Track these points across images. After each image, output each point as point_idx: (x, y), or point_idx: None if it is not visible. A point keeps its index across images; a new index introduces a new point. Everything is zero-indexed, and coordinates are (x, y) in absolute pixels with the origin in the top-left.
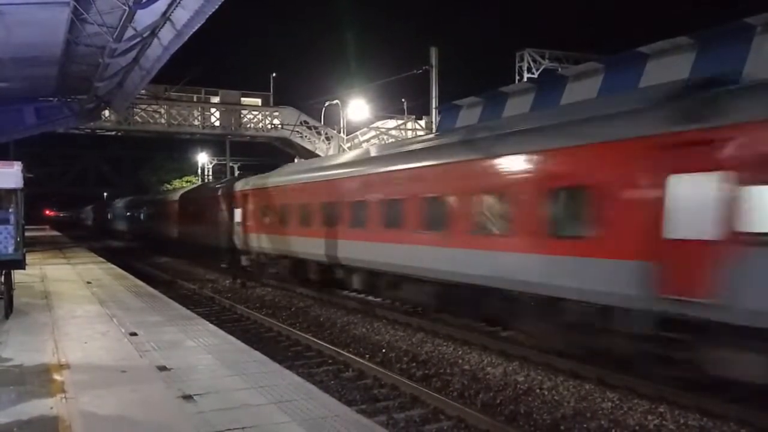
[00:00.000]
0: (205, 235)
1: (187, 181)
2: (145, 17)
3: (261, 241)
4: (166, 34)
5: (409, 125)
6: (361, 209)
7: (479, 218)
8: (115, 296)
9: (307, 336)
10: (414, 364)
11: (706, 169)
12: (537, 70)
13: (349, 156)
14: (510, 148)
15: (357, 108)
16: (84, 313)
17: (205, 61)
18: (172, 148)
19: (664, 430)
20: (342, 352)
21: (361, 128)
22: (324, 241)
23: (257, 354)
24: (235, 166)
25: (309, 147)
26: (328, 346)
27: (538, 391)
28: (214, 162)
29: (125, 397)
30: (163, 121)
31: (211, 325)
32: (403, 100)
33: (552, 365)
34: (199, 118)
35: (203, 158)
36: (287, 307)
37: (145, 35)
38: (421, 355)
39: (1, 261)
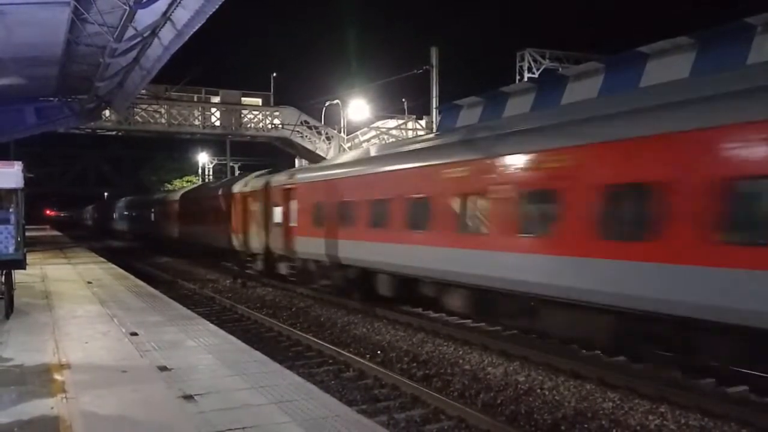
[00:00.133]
0: (219, 238)
1: (187, 181)
2: (145, 17)
3: (313, 246)
4: (166, 33)
5: (410, 125)
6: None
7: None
8: (116, 296)
9: (307, 336)
10: (415, 364)
11: None
12: (537, 69)
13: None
14: None
15: (357, 108)
16: (85, 313)
17: (206, 61)
18: (173, 148)
19: (665, 430)
20: (342, 352)
21: (361, 128)
22: (420, 248)
23: (258, 354)
24: (236, 166)
25: (309, 147)
26: (328, 346)
27: (538, 391)
28: (215, 162)
29: (126, 397)
30: (163, 120)
31: (211, 325)
32: (403, 100)
33: (553, 365)
34: (200, 117)
35: (203, 158)
36: (288, 307)
37: (145, 35)
38: (422, 355)
39: (2, 261)
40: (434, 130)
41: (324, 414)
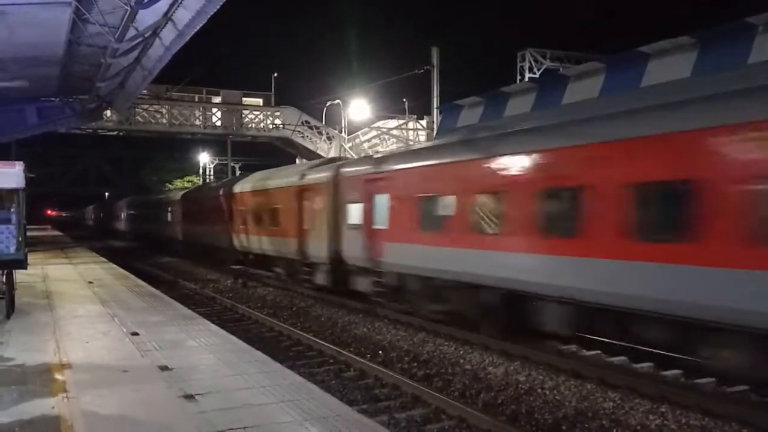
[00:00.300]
0: (262, 242)
1: (188, 181)
2: (146, 17)
3: (418, 257)
4: (167, 34)
5: (411, 125)
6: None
7: None
8: (117, 296)
9: (308, 336)
10: (415, 364)
11: None
12: (538, 69)
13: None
14: None
15: (358, 108)
16: (85, 313)
17: (207, 62)
18: (174, 148)
19: (666, 430)
20: (343, 351)
21: (362, 128)
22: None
23: (259, 354)
24: (237, 166)
25: (310, 147)
26: (329, 345)
27: (539, 390)
28: (216, 162)
29: (127, 397)
30: (164, 121)
31: (212, 324)
32: (404, 99)
33: (553, 365)
34: (201, 118)
35: (204, 158)
36: (288, 306)
37: (146, 35)
38: (423, 354)
39: (3, 261)
40: (434, 131)
41: (325, 414)
